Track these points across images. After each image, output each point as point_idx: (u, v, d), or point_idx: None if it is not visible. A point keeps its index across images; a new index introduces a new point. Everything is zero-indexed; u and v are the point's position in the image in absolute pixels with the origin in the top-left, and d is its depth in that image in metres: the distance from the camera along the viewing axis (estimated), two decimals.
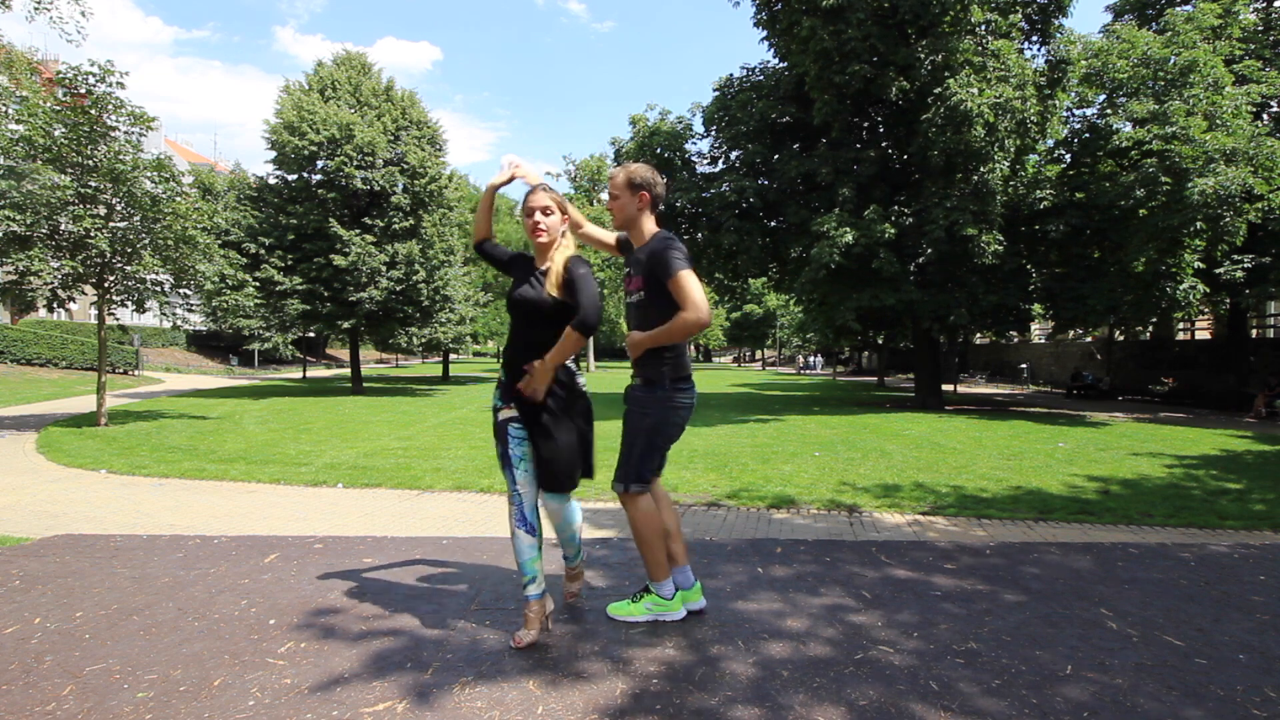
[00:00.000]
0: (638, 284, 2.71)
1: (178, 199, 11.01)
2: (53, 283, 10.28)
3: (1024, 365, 27.51)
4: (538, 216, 2.64)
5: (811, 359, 46.82)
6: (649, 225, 2.79)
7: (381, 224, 19.93)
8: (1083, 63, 14.41)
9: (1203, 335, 24.55)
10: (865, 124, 16.43)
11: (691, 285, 2.55)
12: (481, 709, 2.14)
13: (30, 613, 2.88)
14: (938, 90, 13.55)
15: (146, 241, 10.77)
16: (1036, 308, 16.12)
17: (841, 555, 3.79)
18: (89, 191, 10.23)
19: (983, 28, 14.31)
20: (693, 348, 70.12)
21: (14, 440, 9.50)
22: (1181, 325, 24.64)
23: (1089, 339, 26.16)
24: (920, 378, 17.33)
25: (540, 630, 2.64)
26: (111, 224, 10.46)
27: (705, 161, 17.44)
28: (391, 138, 20.44)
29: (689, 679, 2.33)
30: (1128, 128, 14.52)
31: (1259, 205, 12.69)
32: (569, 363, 2.66)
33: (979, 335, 24.77)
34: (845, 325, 16.28)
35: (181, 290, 12.05)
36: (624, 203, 2.75)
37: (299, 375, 32.74)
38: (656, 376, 2.70)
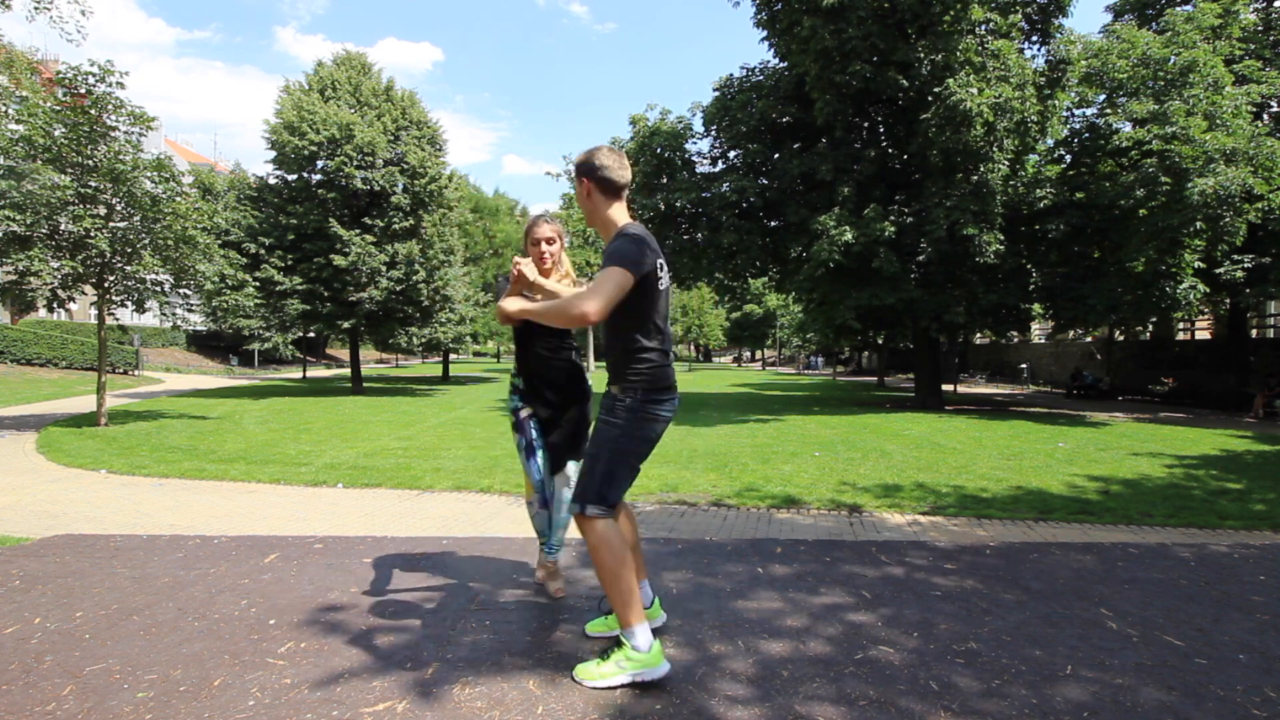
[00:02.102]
0: None
1: (178, 199, 11.00)
2: (53, 283, 10.27)
3: (1024, 365, 27.51)
4: (544, 247, 2.98)
5: (814, 359, 46.79)
6: (616, 216, 2.42)
7: (381, 224, 19.94)
8: (1083, 63, 14.41)
9: (1203, 335, 24.55)
10: (865, 123, 16.43)
11: (609, 281, 2.18)
12: (481, 709, 2.14)
13: (30, 613, 2.88)
14: (937, 90, 13.55)
15: (146, 241, 10.77)
16: (1036, 307, 16.13)
17: (842, 555, 3.79)
18: (89, 191, 10.23)
19: (983, 27, 14.31)
20: (693, 347, 69.46)
21: (14, 440, 9.50)
22: (1181, 325, 24.64)
23: (1089, 339, 26.17)
24: (920, 378, 17.33)
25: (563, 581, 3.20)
26: (111, 224, 10.45)
27: (705, 161, 17.44)
28: (391, 138, 20.44)
29: (689, 678, 2.33)
30: (1128, 128, 14.53)
31: (1259, 205, 12.69)
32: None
33: (979, 335, 24.79)
34: (845, 325, 16.28)
35: (181, 290, 12.05)
36: (578, 196, 2.48)
37: (299, 375, 32.74)
38: (629, 385, 2.38)
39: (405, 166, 20.38)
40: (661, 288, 2.40)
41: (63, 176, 9.89)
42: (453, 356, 38.86)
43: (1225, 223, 12.16)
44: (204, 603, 3.00)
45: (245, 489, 6.32)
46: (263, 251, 19.14)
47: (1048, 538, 4.55)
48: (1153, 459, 8.17)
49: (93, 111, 10.18)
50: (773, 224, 16.53)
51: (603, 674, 2.28)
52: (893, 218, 14.16)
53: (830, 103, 14.44)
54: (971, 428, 11.57)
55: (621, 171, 2.41)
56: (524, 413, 3.04)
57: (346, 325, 19.85)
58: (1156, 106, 12.77)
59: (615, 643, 2.34)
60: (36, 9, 11.22)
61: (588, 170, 2.40)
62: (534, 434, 3.00)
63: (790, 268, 16.71)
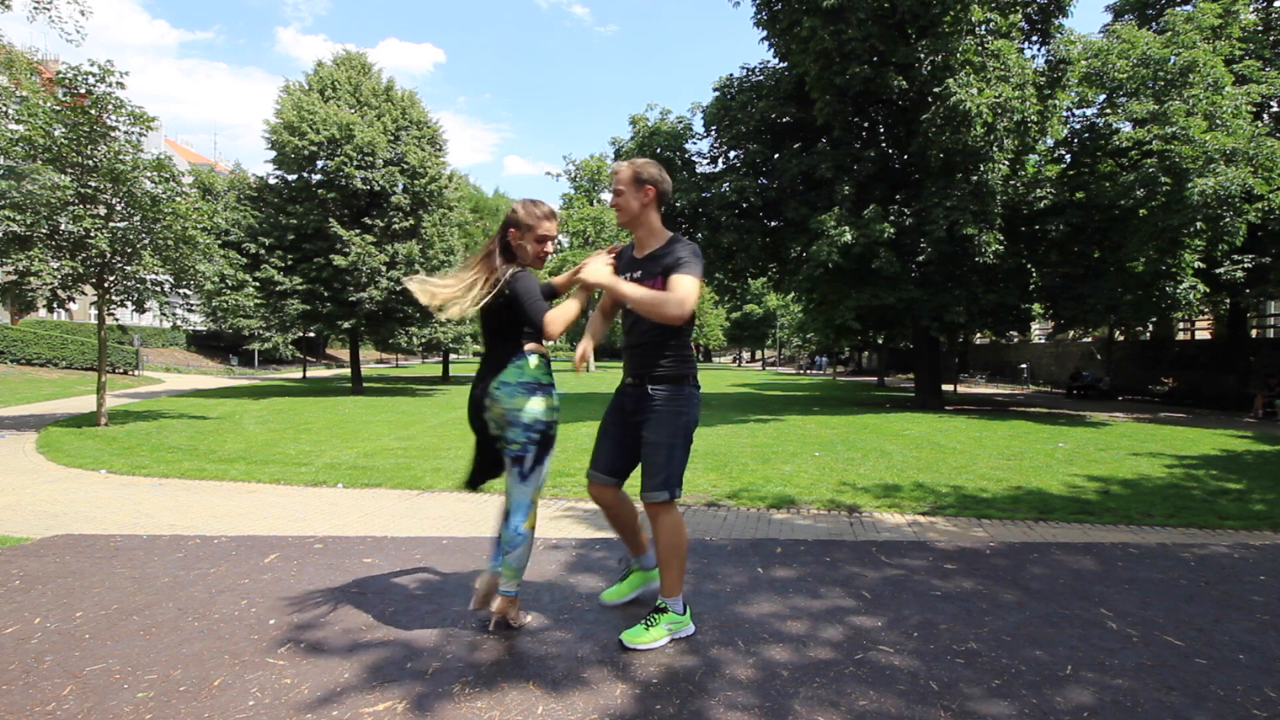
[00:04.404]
0: (655, 284, 2.54)
1: (178, 199, 11.01)
2: (53, 283, 10.27)
3: (1024, 365, 27.52)
4: (549, 247, 2.68)
5: (819, 358, 46.67)
6: (657, 223, 2.68)
7: (381, 224, 19.95)
8: (1083, 63, 14.42)
9: (1203, 335, 24.55)
10: (865, 124, 16.44)
11: (695, 290, 2.47)
12: (481, 709, 2.14)
13: (30, 613, 2.88)
14: (937, 90, 13.55)
15: (146, 241, 10.77)
16: (1036, 307, 16.14)
17: (842, 556, 3.79)
18: (89, 191, 10.23)
19: (983, 27, 14.32)
20: (693, 347, 70.31)
21: (14, 440, 9.49)
22: (1181, 325, 24.65)
23: (1089, 339, 26.17)
24: (920, 378, 17.33)
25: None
26: (111, 224, 10.46)
27: (705, 161, 17.46)
28: (391, 138, 20.45)
29: (689, 679, 2.33)
30: (1128, 128, 14.55)
31: (1259, 205, 12.69)
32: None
33: (979, 335, 24.79)
34: (845, 325, 16.28)
35: (181, 290, 12.06)
36: (629, 198, 2.63)
37: (299, 375, 32.74)
38: (683, 374, 2.64)
39: (405, 166, 20.39)
40: None
41: (63, 176, 9.89)
42: (453, 356, 38.85)
43: (1225, 223, 12.17)
44: (204, 603, 3.00)
45: (245, 489, 6.32)
46: (263, 251, 19.15)
47: (1048, 538, 4.54)
48: (1153, 459, 8.17)
49: (93, 111, 10.18)
50: (773, 224, 16.54)
51: (653, 637, 2.60)
52: (892, 218, 14.16)
53: (830, 103, 14.44)
54: (971, 428, 11.57)
55: (670, 185, 2.73)
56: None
57: (346, 325, 19.85)
58: (1156, 107, 12.77)
59: (656, 610, 2.65)
60: (36, 9, 11.22)
61: (654, 180, 2.63)
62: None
63: (790, 268, 16.73)
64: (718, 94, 17.00)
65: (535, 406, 2.59)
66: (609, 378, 32.48)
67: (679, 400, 2.61)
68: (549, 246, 2.65)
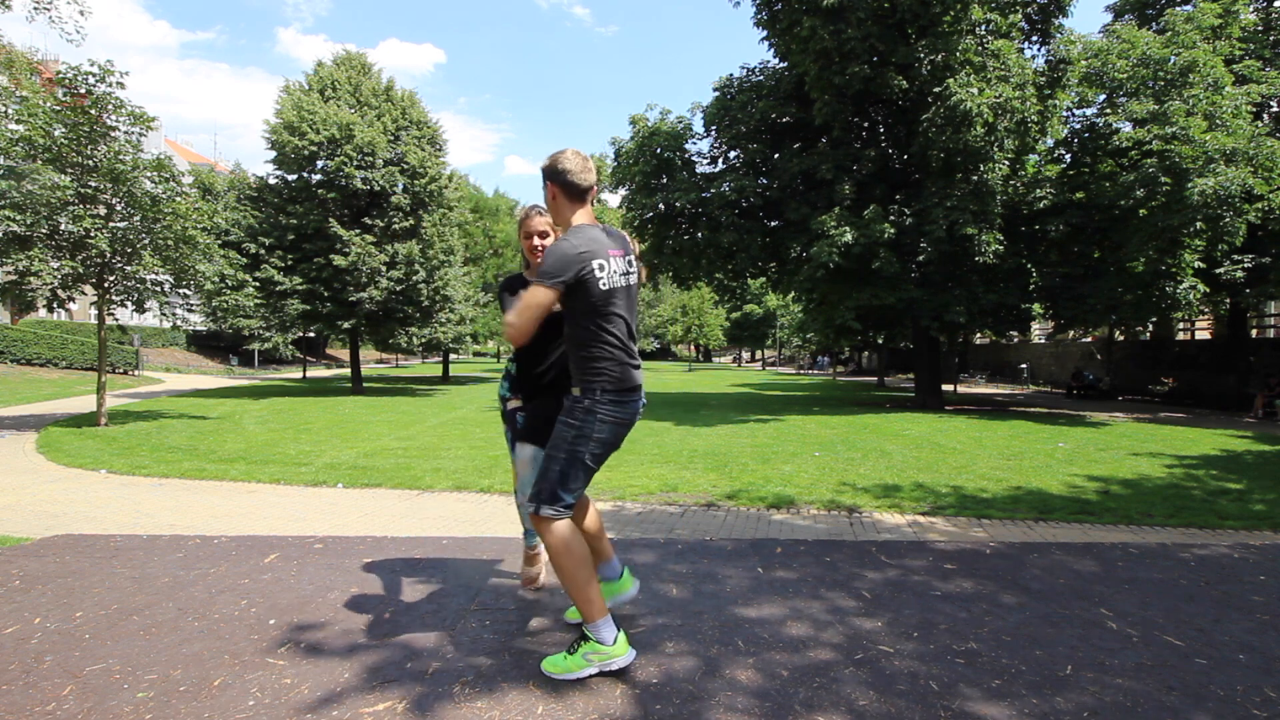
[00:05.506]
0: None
1: (178, 199, 11.01)
2: (53, 283, 10.27)
3: (1024, 365, 27.53)
4: (536, 240, 2.86)
5: (821, 358, 46.65)
6: (569, 217, 2.45)
7: (381, 224, 19.94)
8: (1083, 63, 14.43)
9: (1203, 335, 24.55)
10: (865, 124, 16.45)
11: (523, 301, 2.27)
12: (481, 709, 2.14)
13: (30, 613, 2.88)
14: (937, 90, 13.55)
15: (146, 241, 10.77)
16: (1036, 307, 16.15)
17: (842, 556, 3.79)
18: (89, 191, 10.23)
19: (983, 27, 14.32)
20: (692, 347, 69.29)
21: (14, 440, 9.49)
22: (1181, 325, 24.65)
23: (1089, 339, 26.17)
24: (920, 378, 17.33)
25: (544, 569, 3.20)
26: (111, 224, 10.46)
27: (705, 161, 17.46)
28: (391, 138, 20.45)
29: (689, 679, 2.33)
30: (1128, 128, 14.55)
31: (1259, 205, 12.69)
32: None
33: (979, 335, 24.80)
34: (845, 325, 16.28)
35: (181, 290, 12.05)
36: (546, 200, 2.51)
37: (299, 375, 32.74)
38: (586, 385, 2.39)
39: (405, 166, 20.38)
40: (605, 287, 2.33)
41: (63, 176, 9.89)
42: (453, 356, 38.86)
43: (1225, 223, 12.17)
44: (204, 603, 3.00)
45: (245, 489, 6.32)
46: (263, 251, 19.15)
47: (1048, 538, 4.54)
48: (1153, 459, 8.17)
49: (93, 111, 10.18)
50: (773, 224, 16.55)
51: (570, 667, 2.33)
52: (892, 218, 14.17)
53: (829, 103, 14.45)
54: (971, 428, 11.57)
55: (584, 175, 2.42)
56: (512, 404, 2.99)
57: (346, 325, 19.85)
58: (1156, 107, 12.77)
59: (581, 637, 2.37)
60: (36, 9, 11.22)
61: (552, 174, 2.42)
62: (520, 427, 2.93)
63: (790, 268, 16.74)
64: (718, 94, 17.00)
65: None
66: None
67: (573, 410, 2.39)
68: (535, 241, 2.86)
